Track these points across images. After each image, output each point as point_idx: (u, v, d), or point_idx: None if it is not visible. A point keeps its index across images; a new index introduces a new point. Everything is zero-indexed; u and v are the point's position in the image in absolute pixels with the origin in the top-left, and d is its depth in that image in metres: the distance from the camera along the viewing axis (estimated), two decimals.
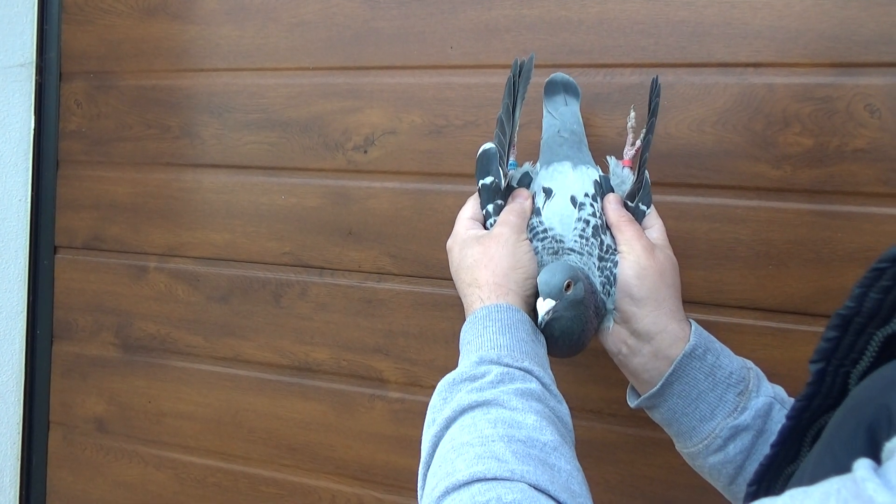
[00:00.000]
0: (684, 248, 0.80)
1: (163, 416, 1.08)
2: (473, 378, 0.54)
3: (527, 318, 0.60)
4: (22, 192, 1.13)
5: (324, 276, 0.98)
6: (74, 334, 1.13)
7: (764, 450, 0.56)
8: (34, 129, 1.12)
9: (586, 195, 0.67)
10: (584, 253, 0.65)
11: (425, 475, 0.51)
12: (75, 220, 1.12)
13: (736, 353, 0.79)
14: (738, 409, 0.61)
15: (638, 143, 0.72)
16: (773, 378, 0.78)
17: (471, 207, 0.69)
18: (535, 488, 0.45)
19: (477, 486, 0.44)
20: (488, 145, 0.70)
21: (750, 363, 0.65)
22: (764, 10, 0.76)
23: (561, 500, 0.45)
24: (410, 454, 0.95)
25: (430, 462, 0.51)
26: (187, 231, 1.04)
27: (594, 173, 0.70)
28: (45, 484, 1.17)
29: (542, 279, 0.61)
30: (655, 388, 0.63)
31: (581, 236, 0.65)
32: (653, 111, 0.69)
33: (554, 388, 0.57)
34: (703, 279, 0.80)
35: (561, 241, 0.66)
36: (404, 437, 0.95)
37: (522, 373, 0.55)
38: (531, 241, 0.65)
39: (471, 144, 0.88)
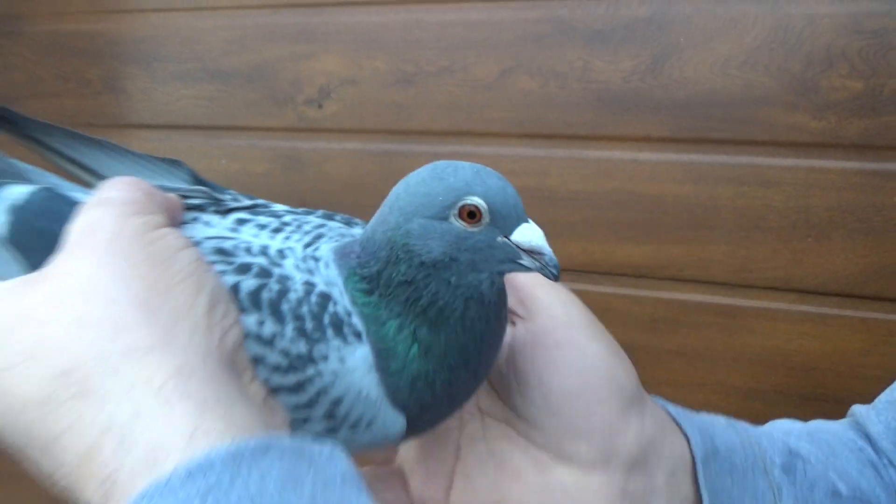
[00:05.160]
0: (704, 217, 0.69)
1: None
2: None
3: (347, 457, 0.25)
4: None
5: None
6: None
7: None
8: None
9: None
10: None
11: None
12: None
13: (768, 344, 0.67)
14: (776, 494, 0.38)
15: None
16: (813, 375, 0.66)
17: None
18: None
19: None
20: None
21: (724, 418, 0.41)
22: None
23: None
24: None
25: None
26: None
27: None
28: None
29: (488, 184, 0.30)
30: None
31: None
32: None
33: None
34: (726, 255, 0.69)
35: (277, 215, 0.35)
36: None
37: None
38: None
39: (446, 95, 0.77)
